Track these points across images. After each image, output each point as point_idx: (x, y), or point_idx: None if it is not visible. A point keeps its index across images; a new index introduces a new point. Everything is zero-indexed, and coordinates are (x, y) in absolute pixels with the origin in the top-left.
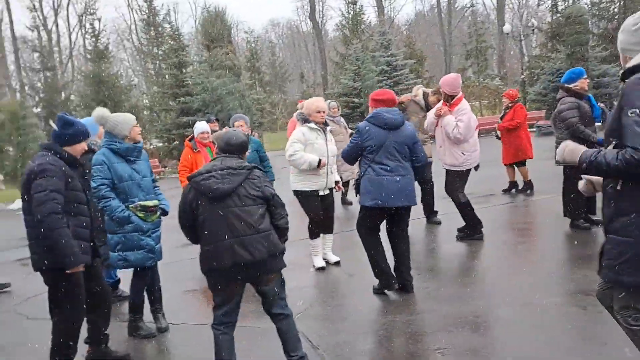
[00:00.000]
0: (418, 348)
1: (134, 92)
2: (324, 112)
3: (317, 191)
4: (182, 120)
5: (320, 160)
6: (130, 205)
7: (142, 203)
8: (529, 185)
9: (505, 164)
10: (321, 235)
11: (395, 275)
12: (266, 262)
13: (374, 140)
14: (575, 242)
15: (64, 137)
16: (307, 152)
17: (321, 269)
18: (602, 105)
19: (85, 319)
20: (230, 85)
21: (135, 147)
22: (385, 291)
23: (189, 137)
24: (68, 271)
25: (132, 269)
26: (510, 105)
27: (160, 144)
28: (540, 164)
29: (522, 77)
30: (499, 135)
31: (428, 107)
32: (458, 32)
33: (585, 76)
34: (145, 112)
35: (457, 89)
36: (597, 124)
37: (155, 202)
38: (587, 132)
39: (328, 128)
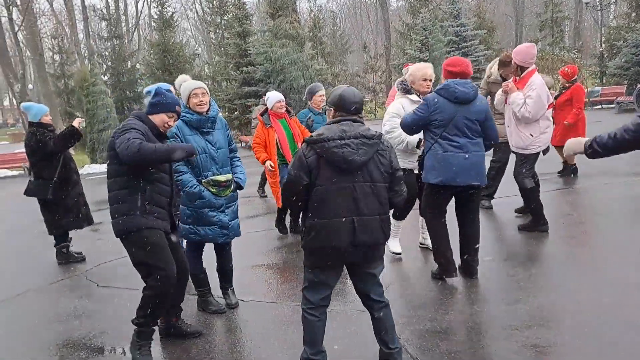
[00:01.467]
0: (512, 344)
1: (196, 62)
2: (430, 80)
3: (412, 170)
4: (244, 90)
5: (420, 140)
6: (202, 180)
7: (214, 178)
8: (573, 169)
9: (554, 145)
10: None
11: (455, 263)
12: (379, 247)
13: (442, 114)
14: None
15: (149, 105)
16: None
17: (398, 254)
18: None
19: None
20: (293, 55)
21: (208, 119)
22: (445, 277)
23: (262, 111)
24: (191, 157)
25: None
26: (567, 85)
27: (222, 114)
28: None
29: (601, 49)
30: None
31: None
32: (529, 2)
33: None
34: (207, 82)
35: (530, 59)
36: None
37: (229, 176)
38: None
39: None
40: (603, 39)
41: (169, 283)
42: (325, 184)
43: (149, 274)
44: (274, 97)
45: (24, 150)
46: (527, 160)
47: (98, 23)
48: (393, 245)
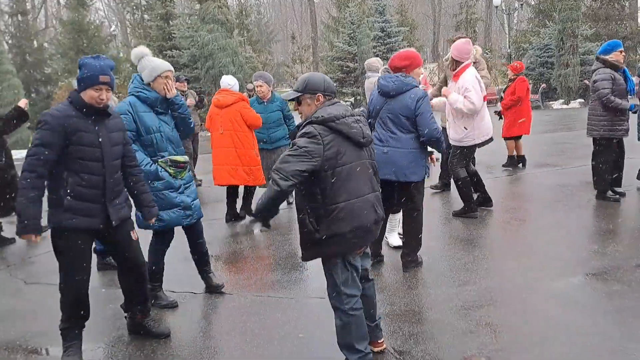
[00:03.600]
0: (469, 323)
1: (112, 44)
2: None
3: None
4: None
5: None
6: (159, 160)
7: (172, 158)
8: (521, 159)
9: (504, 137)
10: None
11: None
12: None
13: (372, 105)
14: (600, 216)
15: (78, 81)
16: None
17: (398, 247)
18: (636, 78)
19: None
20: (222, 41)
21: (165, 99)
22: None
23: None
24: (18, 236)
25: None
26: (512, 78)
27: None
28: (534, 137)
29: (508, 50)
30: (500, 112)
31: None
32: (445, 3)
33: (621, 49)
34: (126, 65)
35: (465, 55)
36: (629, 97)
37: (186, 157)
38: (617, 102)
39: None
40: (511, 41)
41: (68, 290)
42: (347, 162)
43: (60, 271)
44: (229, 81)
45: None
46: (460, 153)
47: None
48: (392, 239)
